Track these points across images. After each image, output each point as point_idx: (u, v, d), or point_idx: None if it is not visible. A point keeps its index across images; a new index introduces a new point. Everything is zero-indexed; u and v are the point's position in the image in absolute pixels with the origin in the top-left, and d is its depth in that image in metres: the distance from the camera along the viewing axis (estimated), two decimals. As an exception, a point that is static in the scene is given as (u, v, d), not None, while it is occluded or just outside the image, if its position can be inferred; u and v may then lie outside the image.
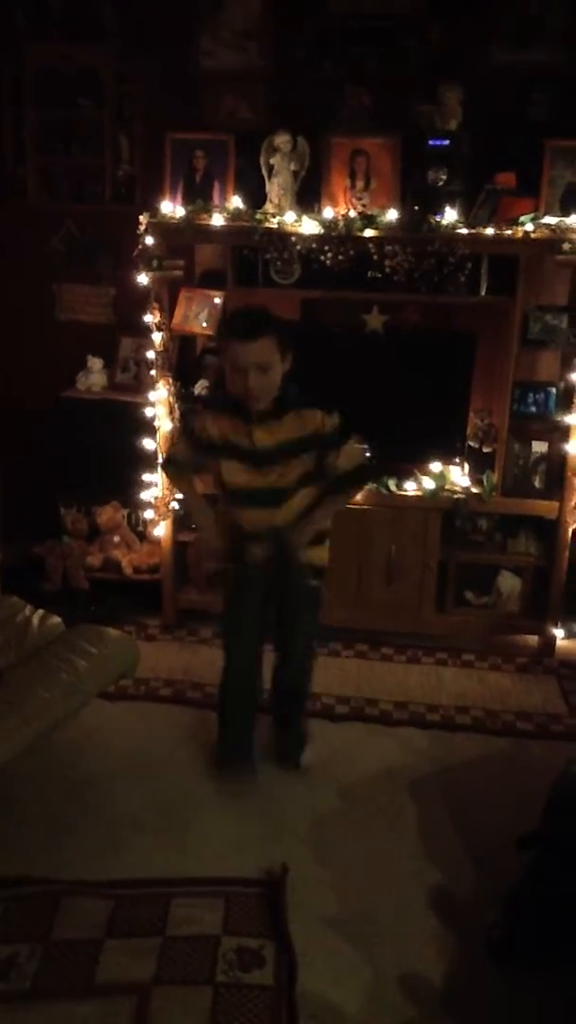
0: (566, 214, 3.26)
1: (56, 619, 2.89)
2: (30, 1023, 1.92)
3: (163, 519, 3.65)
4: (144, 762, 2.88)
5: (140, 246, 3.38)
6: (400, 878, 2.42)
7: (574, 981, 2.06)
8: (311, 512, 2.60)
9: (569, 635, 3.62)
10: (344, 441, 2.57)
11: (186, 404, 3.53)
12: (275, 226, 3.29)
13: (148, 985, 2.01)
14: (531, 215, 3.24)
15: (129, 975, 2.04)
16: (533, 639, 3.68)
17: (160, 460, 3.42)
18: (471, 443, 3.64)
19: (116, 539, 3.96)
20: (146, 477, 3.68)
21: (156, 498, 3.65)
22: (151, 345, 3.52)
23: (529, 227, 3.20)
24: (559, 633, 3.61)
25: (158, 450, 3.57)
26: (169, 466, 2.83)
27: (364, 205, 3.40)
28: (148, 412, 3.58)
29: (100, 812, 2.63)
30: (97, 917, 2.21)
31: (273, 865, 2.40)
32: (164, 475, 2.75)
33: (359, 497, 3.48)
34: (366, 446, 3.33)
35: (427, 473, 3.59)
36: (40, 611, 2.92)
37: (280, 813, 2.66)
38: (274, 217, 3.31)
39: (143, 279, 3.43)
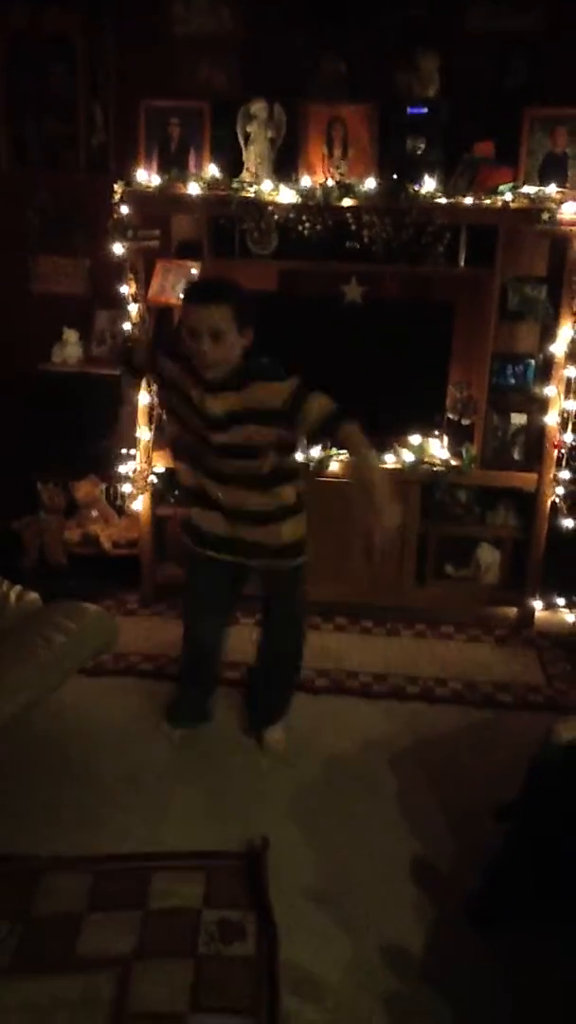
0: (545, 184, 3.23)
1: (33, 595, 2.86)
2: (11, 999, 1.91)
3: (141, 493, 3.62)
4: (123, 737, 2.87)
5: (115, 215, 3.33)
6: (380, 849, 2.43)
7: (552, 948, 2.09)
8: (363, 460, 2.42)
9: (548, 606, 3.64)
10: (308, 397, 2.44)
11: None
12: (252, 195, 3.24)
13: (130, 959, 2.01)
14: (510, 185, 3.21)
15: (110, 949, 2.04)
16: (512, 611, 3.70)
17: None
18: (450, 415, 3.63)
19: (94, 514, 3.93)
20: (123, 451, 3.64)
21: (134, 472, 3.62)
22: (127, 317, 3.47)
23: (508, 197, 3.18)
24: (538, 605, 3.63)
25: (136, 423, 3.54)
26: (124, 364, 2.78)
27: (342, 174, 3.37)
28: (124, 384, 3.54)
29: (80, 787, 2.62)
30: (77, 892, 2.20)
31: (254, 838, 2.41)
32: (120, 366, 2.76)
33: (338, 469, 3.49)
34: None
35: (406, 446, 3.57)
36: (17, 587, 2.89)
37: (260, 786, 2.66)
38: (251, 186, 3.26)
39: (118, 249, 3.37)
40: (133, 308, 3.45)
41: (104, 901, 2.18)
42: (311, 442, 2.53)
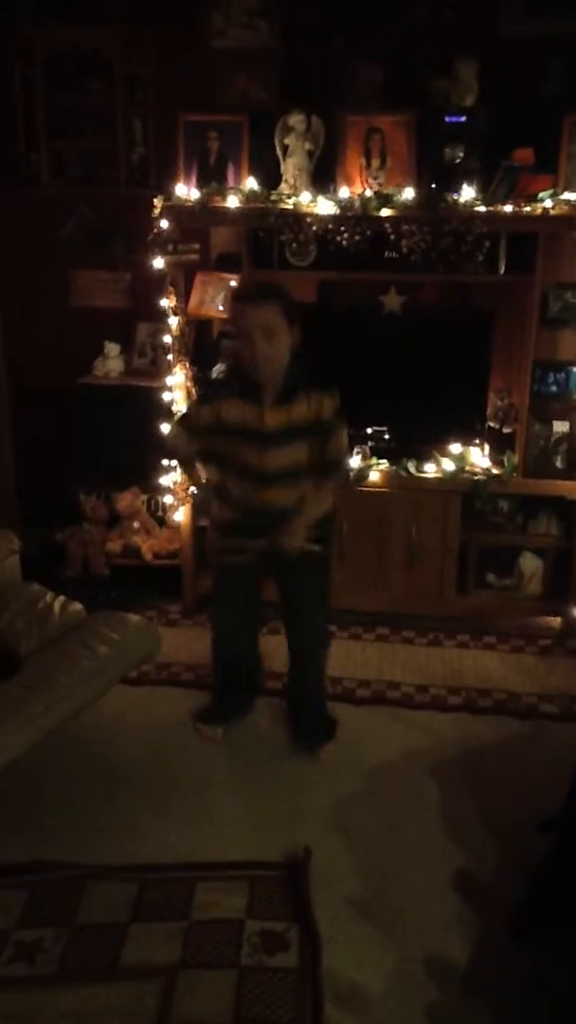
0: (585, 190, 3.20)
1: (77, 605, 2.90)
2: (56, 1006, 1.93)
3: (182, 504, 3.65)
4: (167, 747, 2.89)
5: (155, 230, 3.37)
6: (423, 860, 2.42)
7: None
8: (303, 506, 2.62)
9: (591, 616, 3.60)
10: (338, 426, 2.60)
11: (202, 388, 3.52)
12: (290, 207, 3.27)
13: (173, 969, 2.02)
14: (550, 191, 3.19)
15: (154, 959, 2.05)
16: (556, 621, 3.66)
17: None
18: (491, 424, 3.61)
19: (136, 525, 3.97)
20: (165, 462, 3.67)
21: (175, 483, 3.65)
22: (167, 330, 3.51)
23: (548, 204, 3.16)
24: (582, 614, 3.59)
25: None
26: (184, 422, 2.80)
27: (380, 184, 3.37)
28: (166, 397, 3.56)
29: (124, 797, 2.64)
30: (122, 901, 2.22)
31: (296, 848, 2.41)
32: (174, 432, 2.82)
33: (378, 479, 3.49)
34: (357, 450, 3.50)
35: (447, 455, 3.56)
36: (61, 597, 2.93)
37: (303, 796, 2.66)
38: (289, 198, 3.28)
39: (158, 263, 3.41)
40: (173, 321, 3.48)
41: (148, 911, 2.19)
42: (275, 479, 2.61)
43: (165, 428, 3.56)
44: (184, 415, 2.85)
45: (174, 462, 3.04)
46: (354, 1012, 1.94)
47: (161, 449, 3.63)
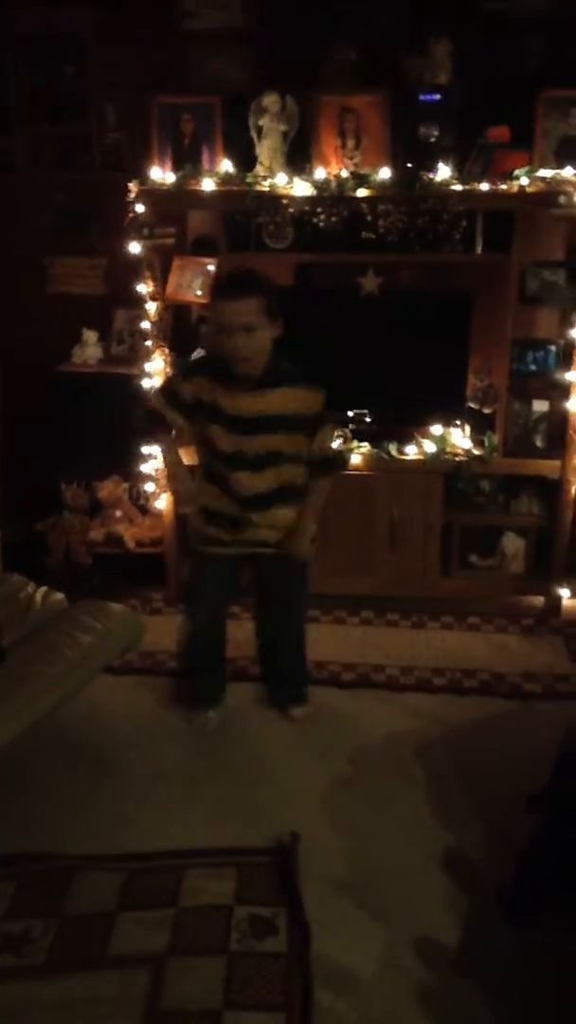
0: (561, 167, 3.19)
1: (59, 595, 2.88)
2: (45, 997, 1.93)
3: (164, 492, 3.63)
4: (151, 735, 2.88)
5: (131, 214, 3.33)
6: (411, 842, 2.42)
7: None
8: (301, 514, 2.68)
9: (575, 594, 3.60)
10: (324, 423, 2.61)
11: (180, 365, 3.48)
12: (267, 189, 3.23)
13: (163, 956, 2.02)
14: (525, 169, 3.17)
15: (143, 947, 2.05)
16: (539, 600, 3.67)
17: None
18: (471, 404, 3.60)
19: (118, 513, 3.94)
20: (146, 449, 3.65)
21: (156, 471, 3.63)
22: (145, 316, 3.48)
23: (524, 181, 3.15)
24: (564, 593, 3.59)
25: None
26: (163, 394, 2.73)
27: (356, 164, 3.34)
28: (145, 383, 3.53)
29: (109, 786, 2.63)
30: (110, 890, 2.22)
31: (284, 833, 2.41)
32: (156, 401, 2.76)
33: (360, 462, 3.48)
34: (339, 433, 3.43)
35: (427, 436, 3.55)
36: (43, 588, 2.91)
37: (289, 780, 2.66)
38: (265, 180, 3.25)
39: (135, 248, 3.37)
40: (151, 306, 3.45)
41: (136, 899, 2.19)
42: (255, 465, 2.61)
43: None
44: (163, 388, 2.77)
45: (156, 448, 2.97)
46: (344, 995, 1.95)
47: (142, 436, 3.62)
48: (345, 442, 3.52)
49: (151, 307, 3.45)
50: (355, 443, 3.53)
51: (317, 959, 2.02)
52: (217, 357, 2.53)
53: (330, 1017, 1.90)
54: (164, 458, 2.91)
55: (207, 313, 3.61)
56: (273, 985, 1.95)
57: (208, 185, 3.27)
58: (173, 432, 2.74)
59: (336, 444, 3.45)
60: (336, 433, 2.68)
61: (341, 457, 2.72)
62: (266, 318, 2.41)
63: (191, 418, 2.64)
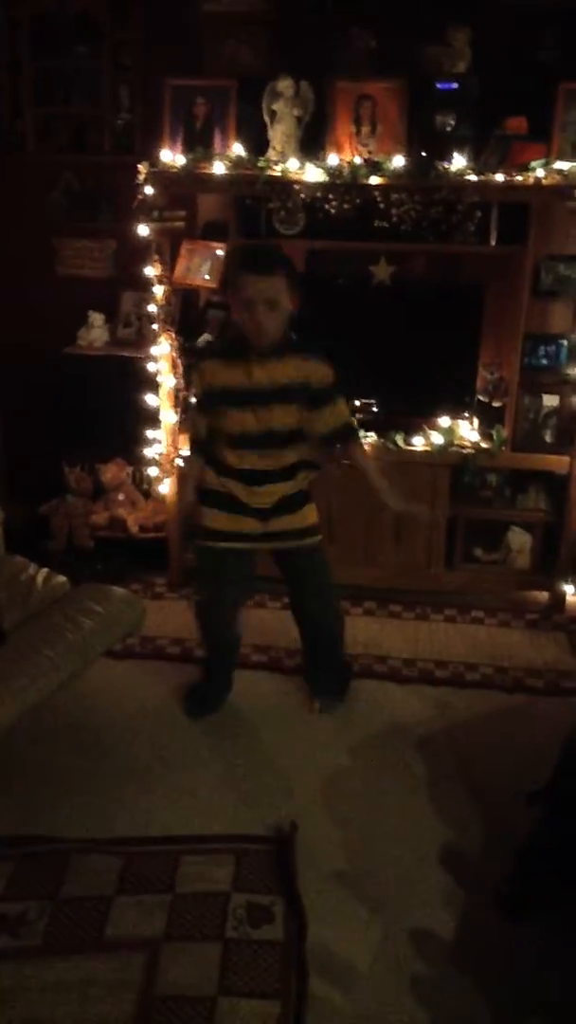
0: (579, 159, 3.15)
1: (61, 578, 2.87)
2: (41, 978, 1.92)
3: (168, 476, 3.61)
4: (152, 720, 2.87)
5: (140, 197, 3.30)
6: (409, 834, 2.41)
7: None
8: (370, 472, 2.71)
9: (579, 591, 3.59)
10: (336, 397, 2.57)
11: (190, 358, 3.47)
12: (278, 174, 3.20)
13: (158, 941, 2.01)
14: (542, 161, 3.13)
15: (139, 931, 2.04)
16: (543, 595, 3.65)
17: (188, 448, 3.32)
18: (480, 397, 3.58)
19: (121, 497, 3.93)
20: (150, 434, 3.63)
21: (160, 455, 3.61)
22: (153, 299, 3.45)
23: (540, 173, 3.11)
24: (569, 589, 3.58)
25: (161, 406, 3.52)
26: (196, 451, 2.74)
27: (370, 152, 3.30)
28: (151, 367, 3.51)
29: (109, 770, 2.62)
30: (107, 874, 2.21)
31: (282, 822, 2.40)
32: (192, 461, 2.78)
33: (366, 452, 3.45)
34: (353, 405, 3.41)
35: (435, 428, 3.53)
36: (45, 570, 2.89)
37: (289, 770, 2.65)
38: (277, 165, 3.22)
39: (144, 231, 3.35)
40: (159, 290, 3.42)
41: (133, 884, 2.18)
42: (321, 446, 2.59)
43: (150, 399, 3.54)
44: (197, 403, 2.71)
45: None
46: (339, 985, 1.94)
47: (147, 419, 3.61)
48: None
49: (159, 290, 3.43)
50: (362, 433, 3.50)
51: (313, 948, 2.01)
52: (232, 334, 2.50)
53: (324, 1006, 1.89)
54: (186, 470, 2.89)
55: (216, 297, 3.59)
56: (268, 973, 1.94)
57: (219, 168, 3.23)
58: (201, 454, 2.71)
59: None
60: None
61: (350, 429, 2.68)
62: (288, 293, 2.40)
63: (209, 412, 2.61)
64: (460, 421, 3.56)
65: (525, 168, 3.13)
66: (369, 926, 2.11)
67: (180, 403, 3.49)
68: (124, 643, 3.04)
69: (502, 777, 2.61)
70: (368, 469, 2.70)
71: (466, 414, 3.59)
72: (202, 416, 2.62)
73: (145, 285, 3.49)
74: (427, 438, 3.50)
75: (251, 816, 2.44)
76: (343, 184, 3.17)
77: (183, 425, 3.49)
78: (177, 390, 3.48)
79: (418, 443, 3.49)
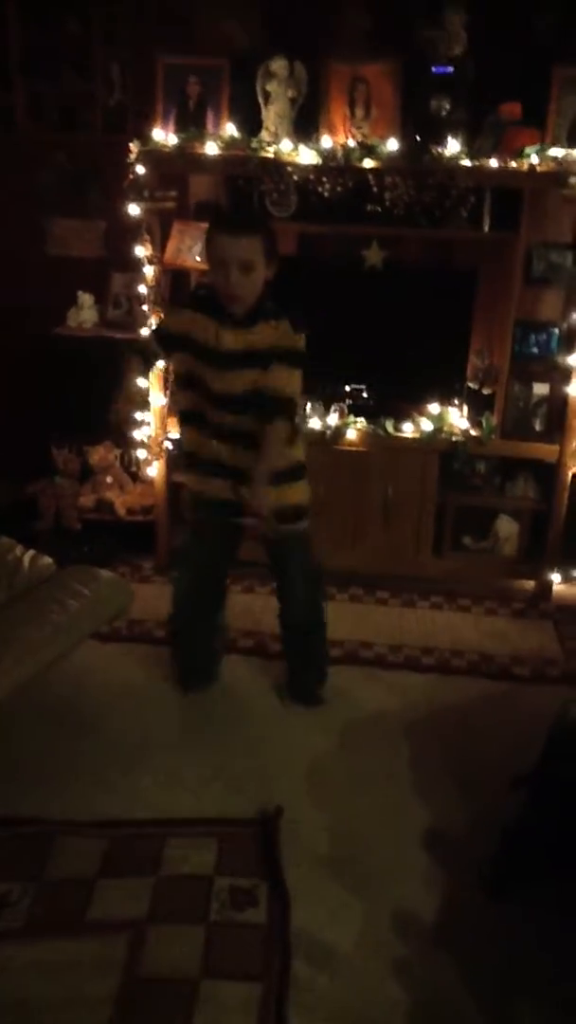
0: (573, 146, 3.14)
1: (48, 560, 2.85)
2: (24, 960, 1.91)
3: (156, 459, 3.59)
4: (137, 703, 2.86)
5: (131, 176, 3.26)
6: (393, 818, 2.42)
7: (564, 914, 2.08)
8: (256, 469, 2.46)
9: (566, 579, 3.60)
10: (288, 364, 2.44)
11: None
12: (271, 155, 3.17)
13: (142, 923, 2.01)
14: (537, 147, 3.12)
15: (122, 913, 2.04)
16: (530, 584, 3.66)
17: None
18: (470, 384, 3.57)
19: (109, 479, 3.91)
20: (139, 416, 3.60)
21: (149, 437, 3.59)
22: (143, 280, 3.42)
23: (534, 159, 3.09)
24: (556, 578, 3.58)
25: (151, 388, 3.50)
26: (145, 345, 2.73)
27: (364, 135, 3.28)
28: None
29: (93, 752, 2.61)
30: (90, 857, 2.20)
31: (267, 805, 2.40)
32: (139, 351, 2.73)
33: (355, 438, 3.45)
34: (335, 408, 3.43)
35: (425, 415, 3.52)
36: (31, 551, 2.87)
37: (274, 754, 2.65)
38: (270, 146, 3.19)
39: (134, 211, 3.31)
40: (149, 270, 3.39)
41: (117, 866, 2.18)
42: (241, 404, 2.50)
43: (140, 381, 3.50)
44: (157, 329, 2.74)
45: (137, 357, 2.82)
46: (322, 968, 1.95)
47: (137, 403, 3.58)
48: (342, 416, 3.49)
49: (149, 271, 3.40)
50: (351, 418, 3.50)
51: (296, 931, 2.02)
52: (204, 293, 2.47)
53: (307, 989, 1.89)
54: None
55: (207, 279, 3.56)
56: (251, 956, 1.94)
57: (211, 148, 3.20)
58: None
59: (332, 419, 3.43)
60: (299, 381, 2.49)
61: (293, 404, 2.48)
62: (264, 258, 2.34)
63: (173, 354, 2.59)
64: (450, 408, 3.55)
65: (519, 154, 3.11)
66: (353, 909, 2.11)
67: (169, 385, 3.47)
68: (111, 625, 3.02)
69: (487, 763, 2.62)
70: (264, 457, 2.45)
71: (456, 401, 3.58)
72: (162, 349, 2.60)
73: (135, 266, 3.46)
74: (417, 425, 3.49)
75: (236, 800, 2.44)
76: (336, 167, 3.15)
77: (172, 408, 3.47)
78: (166, 372, 3.46)
79: (408, 429, 3.49)
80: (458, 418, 3.53)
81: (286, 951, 1.96)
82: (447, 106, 3.22)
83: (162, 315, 2.55)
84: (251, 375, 2.45)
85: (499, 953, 2.01)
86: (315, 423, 3.46)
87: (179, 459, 2.90)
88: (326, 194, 3.20)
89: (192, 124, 3.36)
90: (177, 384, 2.70)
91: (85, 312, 3.89)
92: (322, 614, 2.88)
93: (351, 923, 2.07)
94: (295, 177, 3.19)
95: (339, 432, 3.45)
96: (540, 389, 3.48)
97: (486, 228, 3.32)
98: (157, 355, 2.71)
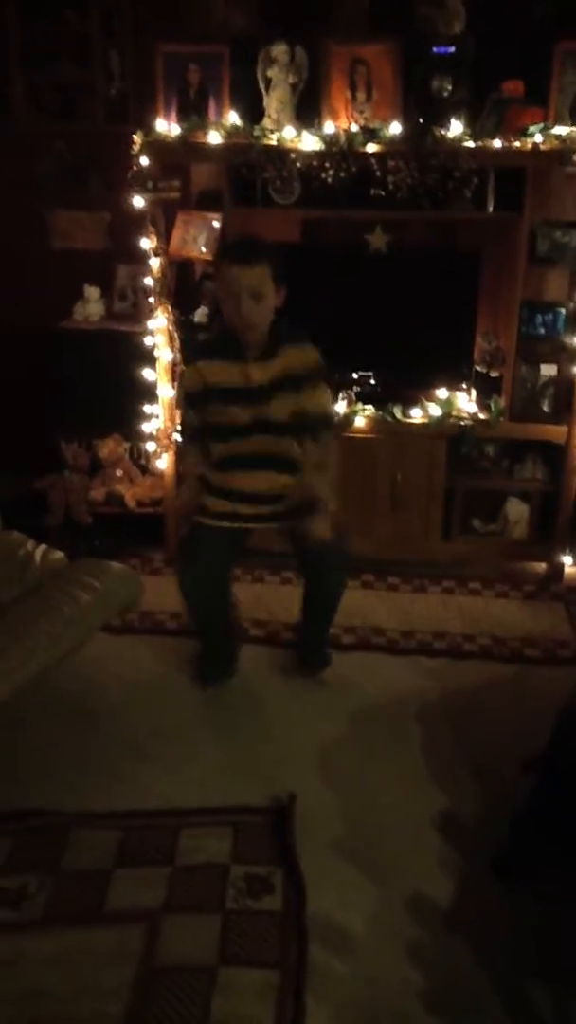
0: (576, 124, 3.11)
1: (59, 553, 2.86)
2: (42, 951, 1.94)
3: (165, 451, 3.59)
4: (149, 693, 2.88)
5: (134, 167, 3.26)
6: (407, 802, 2.43)
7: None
8: (311, 487, 2.57)
9: (577, 561, 3.59)
10: (318, 383, 2.57)
11: (185, 331, 3.45)
12: (274, 142, 3.16)
13: (158, 913, 2.03)
14: (540, 125, 3.09)
15: (139, 903, 2.06)
16: (541, 566, 3.65)
17: (177, 434, 3.44)
18: (478, 367, 3.55)
19: (118, 473, 3.91)
20: (147, 408, 3.61)
21: (158, 430, 3.59)
22: (148, 272, 3.42)
23: (538, 138, 3.06)
24: (567, 560, 3.57)
25: (159, 380, 3.50)
26: (189, 440, 2.78)
27: (366, 118, 3.25)
28: (147, 341, 3.49)
29: (107, 743, 2.64)
30: (106, 847, 2.22)
31: (281, 793, 2.41)
32: (182, 447, 2.79)
33: (363, 424, 3.44)
34: (342, 395, 3.45)
35: (432, 399, 3.51)
36: (42, 546, 2.88)
37: (287, 741, 2.66)
38: (272, 133, 3.17)
39: (138, 202, 3.31)
40: (154, 262, 3.39)
41: (132, 856, 2.20)
42: (294, 430, 2.59)
43: (147, 374, 3.51)
44: (184, 396, 2.77)
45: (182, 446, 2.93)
46: (338, 953, 1.96)
47: (143, 394, 3.59)
48: (349, 404, 3.48)
49: (154, 263, 3.40)
50: (359, 405, 3.49)
51: (312, 917, 2.03)
52: (223, 331, 2.50)
53: (324, 974, 1.91)
54: (184, 465, 2.88)
55: (212, 269, 3.56)
56: (268, 943, 1.96)
57: (214, 137, 3.19)
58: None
59: (340, 407, 3.42)
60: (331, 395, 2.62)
61: (333, 419, 2.66)
62: (272, 285, 2.41)
63: (201, 407, 2.62)
64: (457, 392, 3.53)
65: (523, 133, 3.09)
66: (368, 894, 2.12)
67: (177, 377, 3.48)
68: (122, 618, 3.04)
69: (500, 746, 2.62)
70: (320, 479, 2.58)
71: (463, 385, 3.56)
72: (192, 412, 2.64)
73: (140, 257, 3.46)
74: (425, 410, 3.48)
75: (249, 788, 2.45)
76: (339, 152, 3.13)
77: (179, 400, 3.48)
78: (174, 364, 3.46)
79: (416, 415, 3.47)
80: (466, 402, 3.51)
81: (303, 937, 1.97)
82: (448, 86, 3.19)
83: (185, 377, 2.58)
84: (290, 400, 2.53)
85: (513, 936, 2.02)
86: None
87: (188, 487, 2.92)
88: (329, 179, 3.17)
89: (193, 112, 3.34)
90: (195, 435, 2.73)
91: (91, 305, 3.89)
92: (337, 605, 2.90)
93: (365, 907, 2.09)
94: (298, 164, 3.17)
95: (347, 419, 3.45)
96: (548, 370, 3.45)
97: (490, 209, 3.29)
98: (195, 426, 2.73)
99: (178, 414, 2.74)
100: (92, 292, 3.90)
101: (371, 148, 3.12)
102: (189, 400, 2.65)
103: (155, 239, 3.38)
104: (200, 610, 2.83)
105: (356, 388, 3.56)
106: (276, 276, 2.43)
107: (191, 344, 3.38)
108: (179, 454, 2.97)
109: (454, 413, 3.46)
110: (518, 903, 2.09)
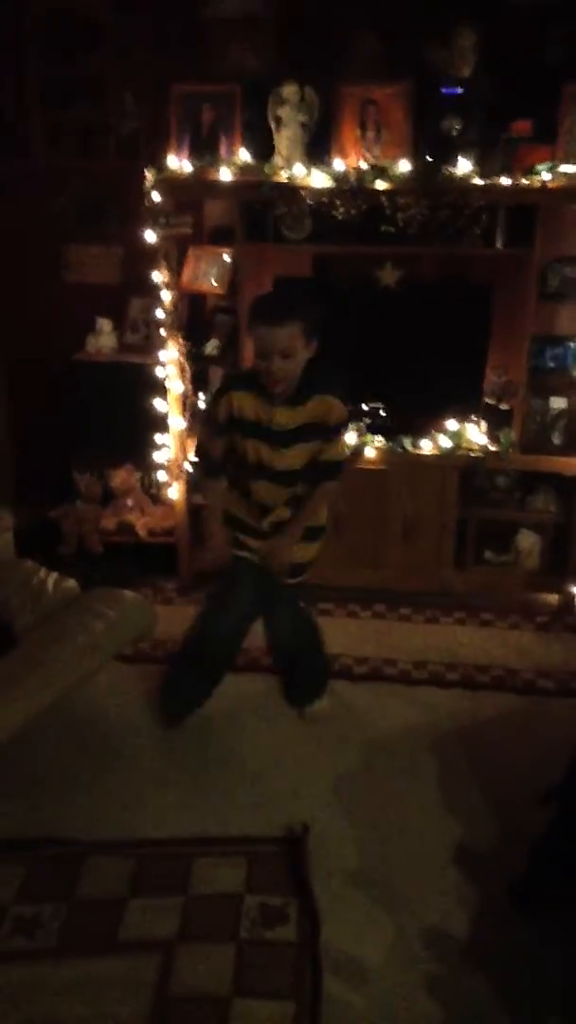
0: (584, 162, 3.16)
1: (72, 582, 2.88)
2: (56, 980, 1.92)
3: (176, 481, 3.62)
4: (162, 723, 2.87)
5: (147, 203, 3.32)
6: (421, 833, 2.41)
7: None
8: (291, 522, 2.62)
9: (589, 592, 3.59)
10: (342, 436, 2.59)
11: (197, 364, 3.49)
12: (284, 180, 3.22)
13: (172, 942, 2.02)
14: (548, 164, 3.15)
15: (153, 933, 2.05)
16: (553, 597, 3.65)
17: (195, 460, 3.41)
18: (488, 400, 3.58)
19: (130, 502, 3.94)
20: (159, 439, 3.64)
21: (169, 460, 3.62)
22: (160, 305, 3.47)
23: (546, 176, 3.12)
24: (579, 590, 3.57)
25: (170, 411, 3.53)
26: (204, 463, 2.76)
27: (376, 156, 3.31)
28: (159, 373, 3.53)
29: (121, 772, 2.63)
30: (120, 876, 2.21)
31: (295, 823, 2.40)
32: (198, 474, 2.79)
33: (375, 456, 3.46)
34: (353, 427, 3.45)
35: (443, 431, 3.53)
36: (55, 574, 2.90)
37: (301, 773, 2.65)
38: (283, 171, 3.23)
39: (151, 237, 3.36)
40: (166, 296, 3.44)
41: (146, 886, 2.19)
42: (301, 477, 2.61)
43: (159, 405, 3.55)
44: (207, 415, 2.75)
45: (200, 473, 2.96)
46: (353, 984, 1.94)
47: (155, 425, 3.62)
48: (360, 435, 3.51)
49: (166, 296, 3.45)
50: (370, 437, 3.51)
51: (327, 948, 2.02)
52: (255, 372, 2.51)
53: (339, 1006, 1.89)
54: (210, 500, 2.89)
55: (223, 302, 3.61)
56: (283, 973, 1.94)
57: (225, 175, 3.25)
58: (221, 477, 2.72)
59: (350, 438, 3.44)
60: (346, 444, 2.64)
61: (342, 466, 2.64)
62: (303, 341, 2.37)
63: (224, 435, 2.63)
64: (468, 424, 3.56)
65: (531, 171, 3.14)
66: (383, 925, 2.11)
67: (188, 408, 3.51)
68: (135, 647, 3.04)
69: (514, 777, 2.61)
70: (302, 515, 2.62)
71: (474, 417, 3.59)
72: (219, 440, 2.63)
73: (152, 291, 3.51)
74: (435, 441, 3.50)
75: (263, 817, 2.44)
76: (349, 189, 3.19)
77: (191, 431, 3.51)
78: (185, 395, 3.50)
79: (426, 447, 3.50)
80: (476, 434, 3.54)
81: (317, 968, 1.96)
82: (457, 126, 3.25)
83: (219, 406, 2.58)
84: (307, 449, 2.53)
85: (531, 969, 2.00)
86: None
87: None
88: (339, 216, 3.23)
89: (206, 150, 3.40)
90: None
91: (104, 338, 3.94)
92: (311, 639, 2.87)
93: (381, 939, 2.07)
94: (309, 200, 3.23)
95: (358, 451, 3.47)
96: (558, 403, 3.48)
97: (500, 245, 3.34)
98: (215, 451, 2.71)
99: (205, 445, 2.71)
100: (105, 324, 3.95)
101: (381, 185, 3.17)
102: (219, 431, 2.62)
103: (167, 273, 3.43)
104: (212, 649, 2.82)
105: (367, 420, 3.59)
106: (308, 331, 2.38)
107: (229, 375, 3.41)
108: (204, 489, 2.90)
109: (465, 445, 3.49)
110: (538, 936, 2.08)
